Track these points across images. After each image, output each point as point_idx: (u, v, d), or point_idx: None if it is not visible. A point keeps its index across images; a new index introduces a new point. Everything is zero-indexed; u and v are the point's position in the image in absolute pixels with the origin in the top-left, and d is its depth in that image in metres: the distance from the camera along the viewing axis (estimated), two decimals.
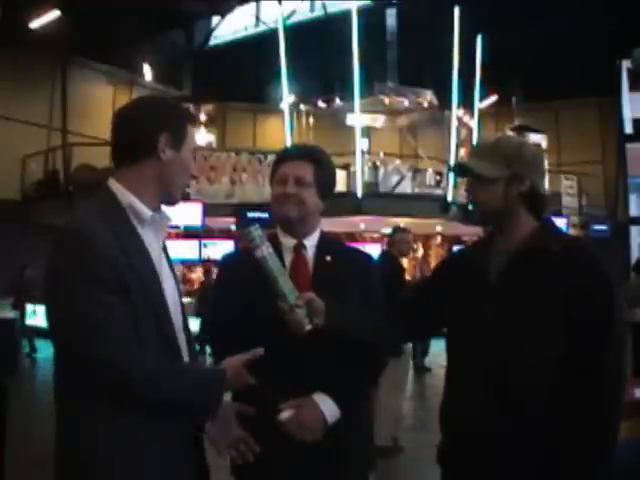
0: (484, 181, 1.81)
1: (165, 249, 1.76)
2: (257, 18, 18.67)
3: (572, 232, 15.49)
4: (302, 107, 17.13)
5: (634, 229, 14.04)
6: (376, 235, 16.60)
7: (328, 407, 1.87)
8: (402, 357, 5.18)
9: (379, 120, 17.83)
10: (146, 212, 1.64)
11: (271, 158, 12.28)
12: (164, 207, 1.74)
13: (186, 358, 1.70)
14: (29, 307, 12.01)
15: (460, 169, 1.98)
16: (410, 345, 6.36)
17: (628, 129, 13.91)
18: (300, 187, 1.99)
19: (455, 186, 14.51)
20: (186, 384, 1.58)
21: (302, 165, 2.01)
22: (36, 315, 12.09)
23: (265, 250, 1.81)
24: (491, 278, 1.82)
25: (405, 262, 16.37)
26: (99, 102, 17.19)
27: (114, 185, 1.64)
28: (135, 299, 1.53)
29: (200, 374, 1.68)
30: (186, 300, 6.88)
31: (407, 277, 15.23)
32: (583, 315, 1.68)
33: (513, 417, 1.70)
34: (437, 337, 2.29)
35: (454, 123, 15.42)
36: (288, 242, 2.04)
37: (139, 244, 1.62)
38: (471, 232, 14.88)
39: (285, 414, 1.84)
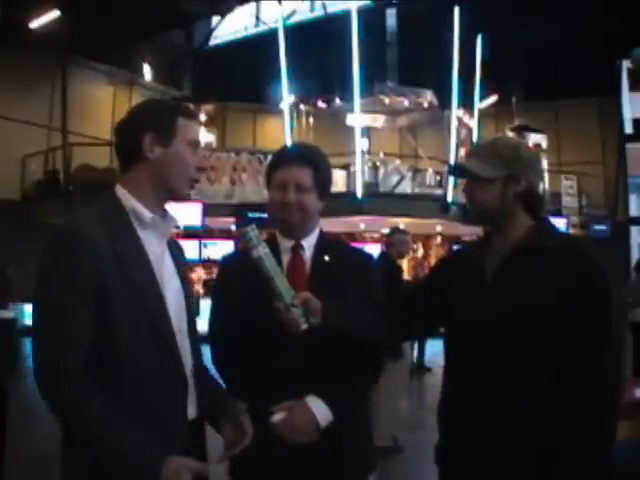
0: (481, 182, 1.82)
1: (174, 251, 1.77)
2: (257, 18, 18.69)
3: (572, 232, 15.50)
4: (302, 107, 17.13)
5: (634, 229, 14.05)
6: (376, 235, 16.60)
7: (320, 409, 1.86)
8: (402, 358, 5.18)
9: (379, 120, 17.83)
10: (146, 215, 1.66)
11: None
12: (171, 205, 1.76)
13: (188, 361, 1.70)
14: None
15: (457, 170, 1.99)
16: (408, 345, 6.37)
17: (628, 129, 13.92)
18: (301, 193, 1.97)
19: (455, 186, 14.51)
20: (117, 439, 1.48)
21: (301, 170, 1.98)
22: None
23: (261, 250, 1.81)
24: (487, 277, 1.82)
25: (405, 262, 16.41)
26: (99, 102, 17.20)
27: (120, 190, 1.69)
28: (120, 303, 1.55)
29: (136, 447, 1.49)
30: None
31: (407, 277, 15.29)
32: (580, 314, 1.68)
33: (511, 417, 1.70)
34: (436, 337, 2.29)
35: (454, 123, 15.42)
36: (286, 243, 2.04)
37: (137, 247, 1.64)
38: (471, 232, 14.87)
39: (277, 416, 1.83)
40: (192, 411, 1.69)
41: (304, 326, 1.82)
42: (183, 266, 1.82)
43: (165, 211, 1.74)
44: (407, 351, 5.62)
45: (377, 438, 4.87)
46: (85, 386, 1.49)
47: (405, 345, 5.24)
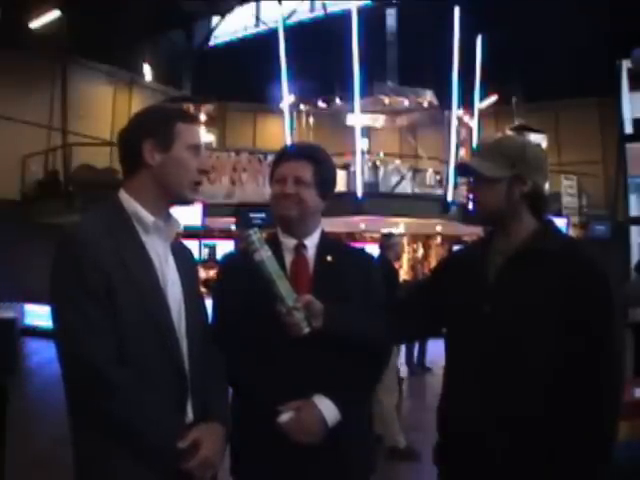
0: (487, 181, 1.81)
1: (178, 254, 1.79)
2: (257, 18, 18.70)
3: (572, 232, 15.51)
4: (302, 107, 17.11)
5: (634, 229, 14.01)
6: (376, 235, 16.58)
7: (328, 409, 1.86)
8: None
9: (379, 120, 17.82)
10: (149, 219, 1.70)
11: (271, 158, 12.24)
12: (177, 208, 1.79)
13: (186, 361, 1.71)
14: None
15: (463, 169, 1.97)
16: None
17: (628, 129, 13.88)
18: (299, 187, 1.98)
19: (455, 186, 14.50)
20: (144, 413, 1.57)
21: (301, 165, 2.00)
22: None
23: (264, 254, 1.81)
24: (489, 278, 1.82)
25: (404, 262, 16.32)
26: (99, 102, 17.19)
27: (123, 195, 1.72)
28: (125, 305, 1.58)
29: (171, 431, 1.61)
30: None
31: (405, 277, 15.26)
32: (581, 315, 1.68)
33: (511, 417, 1.70)
34: (437, 337, 2.29)
35: (454, 123, 15.40)
36: (289, 242, 2.04)
37: (139, 250, 1.67)
38: (471, 232, 14.87)
39: (285, 416, 1.83)
40: (190, 414, 1.70)
41: (306, 330, 1.82)
42: (191, 269, 1.84)
43: (169, 215, 1.77)
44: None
45: (387, 439, 4.91)
46: (119, 371, 1.55)
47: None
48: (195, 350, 1.74)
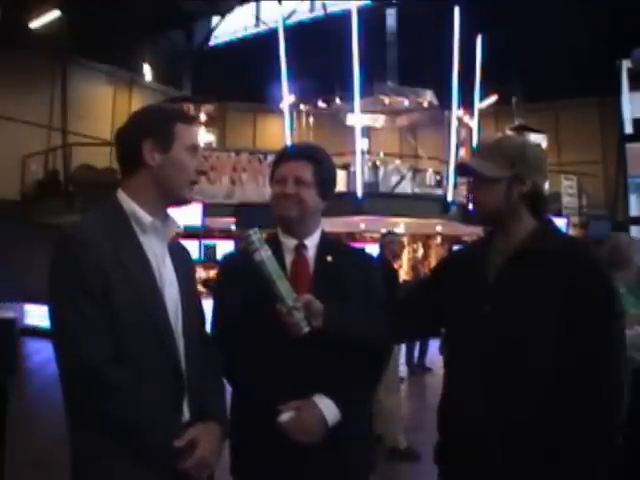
0: (486, 181, 1.81)
1: (176, 255, 1.79)
2: (257, 18, 18.71)
3: (572, 232, 15.50)
4: (302, 107, 17.12)
5: (634, 229, 14.01)
6: (376, 235, 16.57)
7: (328, 408, 1.86)
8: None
9: (379, 120, 17.83)
10: (146, 219, 1.70)
11: (271, 158, 12.22)
12: (174, 209, 1.79)
13: (183, 360, 1.71)
14: None
15: (463, 169, 1.98)
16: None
17: (628, 129, 13.89)
18: (299, 187, 1.98)
19: (455, 186, 14.50)
20: (143, 412, 1.58)
21: (301, 165, 2.00)
22: None
23: (264, 254, 1.82)
24: (489, 278, 1.82)
25: (404, 262, 16.28)
26: (99, 102, 17.20)
27: (121, 195, 1.72)
28: (123, 304, 1.58)
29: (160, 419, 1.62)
30: None
31: (406, 277, 15.25)
32: (582, 315, 1.68)
33: (511, 417, 1.70)
34: (438, 337, 2.29)
35: (454, 123, 15.40)
36: (289, 242, 2.04)
37: (137, 250, 1.67)
38: (471, 232, 14.87)
39: (285, 416, 1.83)
40: (186, 413, 1.71)
41: (306, 329, 1.82)
42: (188, 270, 1.84)
43: (167, 215, 1.77)
44: (394, 349, 5.64)
45: (386, 440, 4.89)
46: (117, 371, 1.55)
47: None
48: (192, 350, 1.74)
